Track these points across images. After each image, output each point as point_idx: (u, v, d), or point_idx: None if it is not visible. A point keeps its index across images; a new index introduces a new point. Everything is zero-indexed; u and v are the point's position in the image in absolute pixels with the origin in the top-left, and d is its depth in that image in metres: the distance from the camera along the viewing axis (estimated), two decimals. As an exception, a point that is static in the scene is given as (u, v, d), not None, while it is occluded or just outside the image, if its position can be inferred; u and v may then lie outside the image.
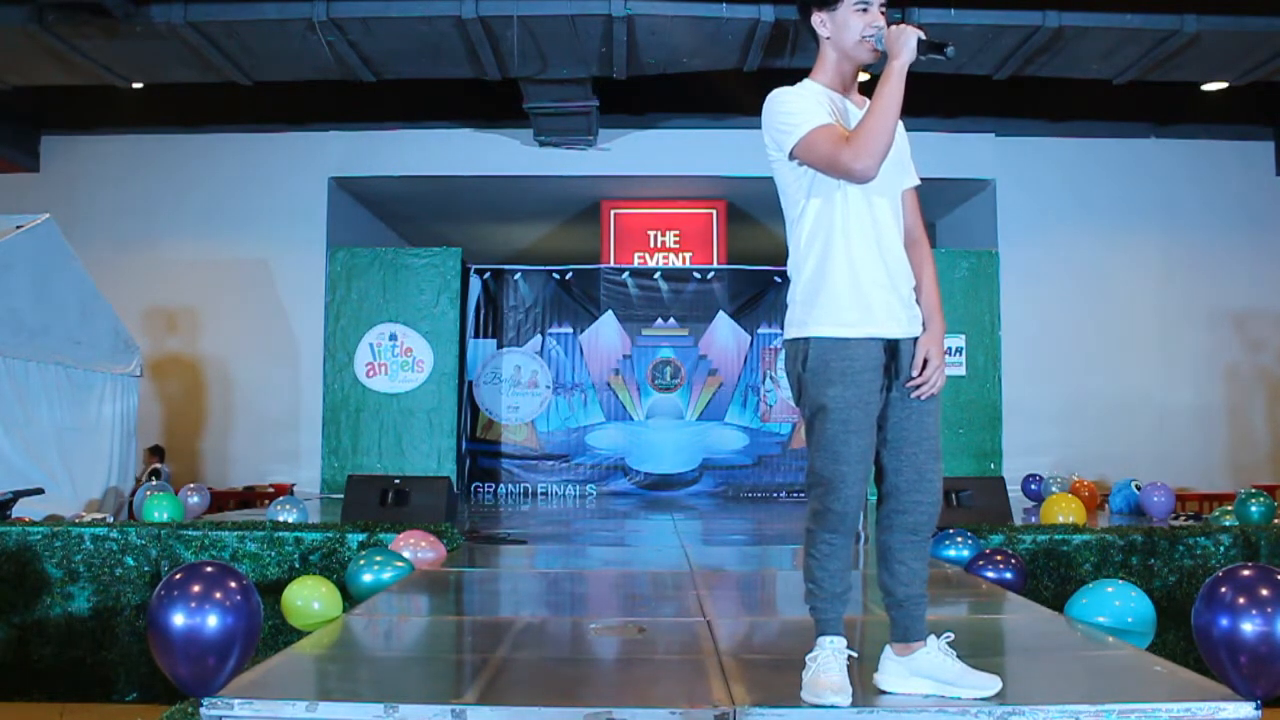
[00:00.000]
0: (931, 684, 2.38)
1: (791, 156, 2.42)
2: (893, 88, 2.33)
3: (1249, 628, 2.28)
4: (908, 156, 2.55)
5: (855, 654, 2.44)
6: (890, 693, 2.41)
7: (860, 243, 2.39)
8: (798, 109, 2.40)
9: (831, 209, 2.41)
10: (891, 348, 2.41)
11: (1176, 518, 7.09)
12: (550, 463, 10.66)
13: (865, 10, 2.41)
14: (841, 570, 2.41)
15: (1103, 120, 10.30)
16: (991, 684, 2.35)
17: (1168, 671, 2.64)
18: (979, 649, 3.15)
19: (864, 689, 2.43)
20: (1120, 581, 3.61)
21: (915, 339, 2.44)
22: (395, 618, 3.67)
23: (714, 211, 11.41)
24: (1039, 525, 5.52)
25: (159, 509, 6.14)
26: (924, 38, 2.33)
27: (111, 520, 6.13)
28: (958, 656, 2.40)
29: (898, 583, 2.44)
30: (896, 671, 2.43)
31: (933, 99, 8.88)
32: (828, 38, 2.48)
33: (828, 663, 2.35)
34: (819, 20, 2.47)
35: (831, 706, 2.29)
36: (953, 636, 2.43)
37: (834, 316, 2.37)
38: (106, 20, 7.40)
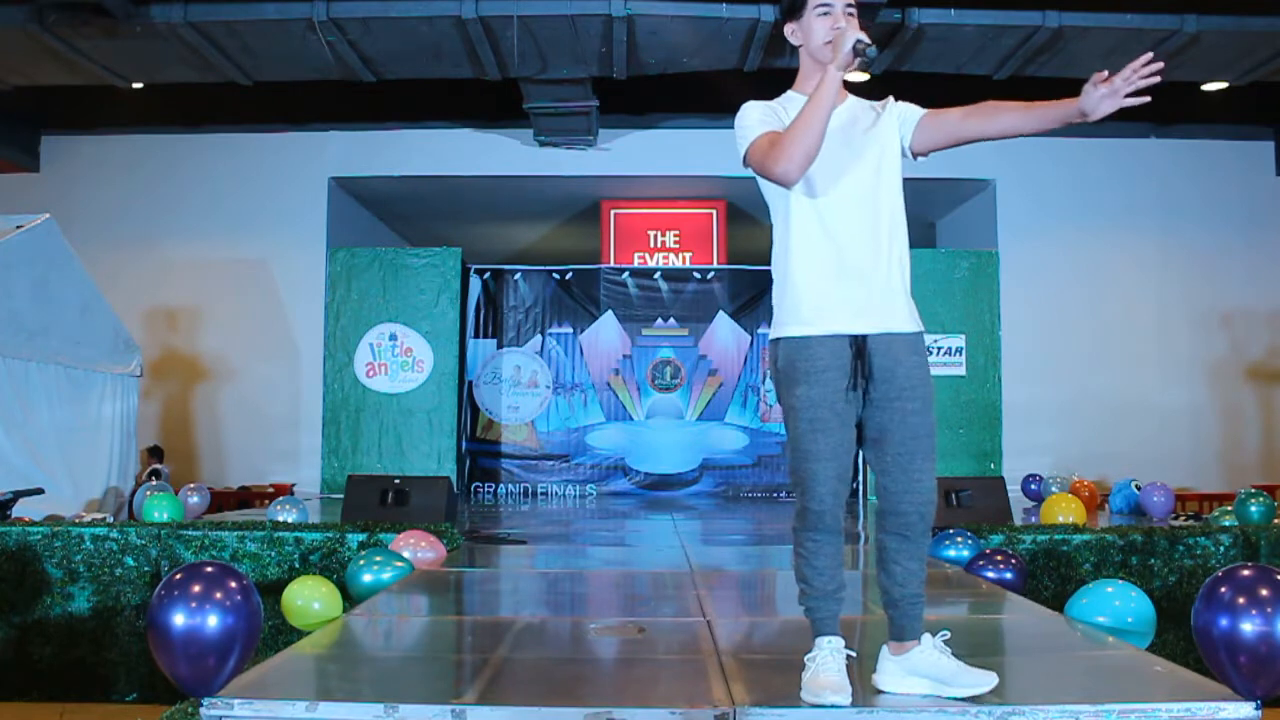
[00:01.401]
0: (928, 683, 2.38)
1: (746, 166, 2.50)
2: (821, 92, 2.33)
3: (1249, 628, 2.28)
4: (885, 127, 2.50)
5: (854, 653, 2.44)
6: (887, 692, 2.41)
7: (817, 241, 2.43)
8: (750, 121, 2.48)
9: (789, 211, 2.47)
10: (859, 344, 2.40)
11: (1176, 518, 7.08)
12: (550, 463, 10.66)
13: (827, 14, 2.43)
14: (829, 568, 2.42)
15: (1103, 120, 10.28)
16: (987, 680, 2.35)
17: (1168, 671, 2.64)
18: (979, 649, 3.15)
19: (863, 688, 2.43)
20: (1120, 581, 3.60)
21: (892, 335, 2.41)
22: (395, 618, 3.67)
23: (714, 211, 11.42)
24: (1039, 525, 5.51)
25: (159, 509, 6.14)
26: (861, 40, 2.33)
27: (111, 520, 6.13)
28: (954, 655, 2.40)
29: (893, 583, 2.45)
30: (893, 671, 2.43)
31: (933, 99, 8.87)
32: (800, 45, 2.53)
33: (826, 662, 2.36)
34: (790, 31, 2.54)
35: (831, 706, 2.29)
36: (949, 635, 2.43)
37: (795, 316, 2.42)
38: (106, 20, 7.40)
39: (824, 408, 2.37)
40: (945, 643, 2.41)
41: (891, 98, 2.57)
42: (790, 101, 2.51)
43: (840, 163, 2.43)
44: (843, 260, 2.41)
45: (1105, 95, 2.29)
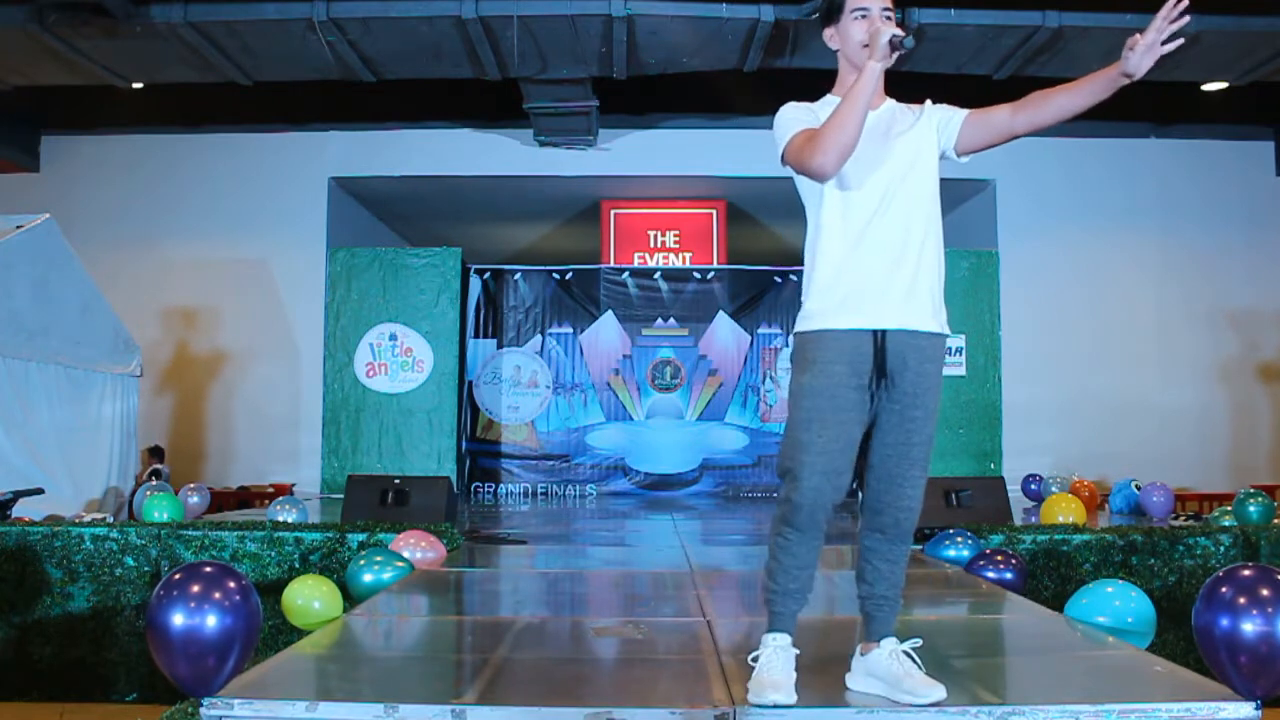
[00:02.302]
0: (881, 685, 2.39)
1: (785, 165, 2.48)
2: (859, 87, 2.33)
3: (1249, 628, 2.28)
4: (922, 131, 2.50)
5: (799, 651, 2.43)
6: (851, 689, 2.43)
7: (842, 240, 2.42)
8: (787, 119, 2.47)
9: (820, 210, 2.46)
10: (879, 339, 2.39)
11: (1176, 518, 7.08)
12: (550, 463, 10.67)
13: (864, 17, 2.44)
14: (797, 567, 2.41)
15: (1103, 120, 10.29)
16: (932, 693, 2.31)
17: (1168, 671, 2.64)
18: (979, 649, 3.16)
19: (841, 686, 2.46)
20: (1120, 581, 3.60)
21: (908, 334, 2.39)
22: (395, 618, 3.67)
23: (714, 211, 11.41)
24: (1039, 525, 5.51)
25: (159, 509, 6.13)
26: (897, 34, 2.34)
27: (111, 520, 6.13)
28: (916, 663, 2.38)
29: (861, 581, 2.48)
30: (856, 669, 2.46)
31: (933, 99, 8.89)
32: (837, 50, 2.54)
33: (770, 661, 2.36)
34: (828, 35, 2.55)
35: (773, 706, 2.29)
36: (920, 643, 2.41)
37: (811, 312, 2.43)
38: (106, 20, 7.40)
39: (823, 398, 2.36)
40: (916, 650, 2.39)
41: (929, 101, 2.56)
42: (827, 104, 2.50)
43: (873, 164, 2.43)
44: (867, 260, 2.41)
45: (1143, 52, 2.30)
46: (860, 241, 2.41)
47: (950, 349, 9.55)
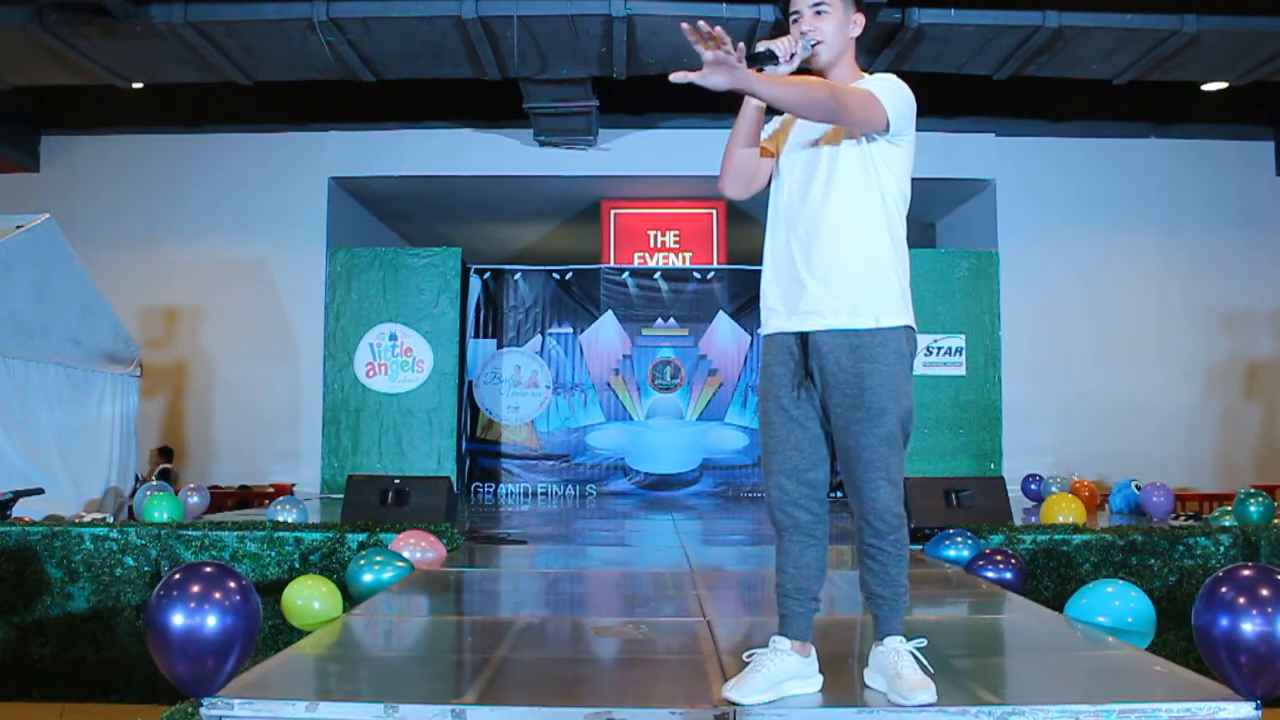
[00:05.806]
0: (883, 681, 2.40)
1: None
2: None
3: (1249, 628, 2.28)
4: (838, 129, 2.42)
5: (808, 656, 2.45)
6: (866, 683, 2.46)
7: (770, 241, 2.51)
8: None
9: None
10: (802, 342, 2.42)
11: (1176, 518, 7.08)
12: (550, 463, 10.67)
13: (796, 22, 2.49)
14: (791, 566, 2.45)
15: (1103, 120, 10.30)
16: (914, 695, 2.29)
17: (1168, 671, 2.64)
18: (979, 649, 3.16)
19: (858, 686, 2.47)
20: (1120, 581, 3.59)
21: (828, 333, 2.37)
22: (395, 618, 3.67)
23: (714, 211, 11.42)
24: (1039, 525, 5.51)
25: (159, 509, 6.13)
26: (754, 50, 2.35)
27: (111, 520, 6.13)
28: (921, 662, 2.38)
29: (860, 579, 2.48)
30: (870, 663, 2.48)
31: (933, 99, 8.88)
32: None
33: (760, 660, 2.38)
34: None
35: (733, 703, 2.31)
36: (925, 643, 2.42)
37: (760, 317, 2.56)
38: (106, 20, 7.40)
39: (769, 401, 2.47)
40: (919, 650, 2.40)
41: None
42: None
43: (796, 161, 2.48)
44: (787, 258, 2.45)
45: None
46: (784, 242, 2.47)
47: (950, 349, 9.56)
